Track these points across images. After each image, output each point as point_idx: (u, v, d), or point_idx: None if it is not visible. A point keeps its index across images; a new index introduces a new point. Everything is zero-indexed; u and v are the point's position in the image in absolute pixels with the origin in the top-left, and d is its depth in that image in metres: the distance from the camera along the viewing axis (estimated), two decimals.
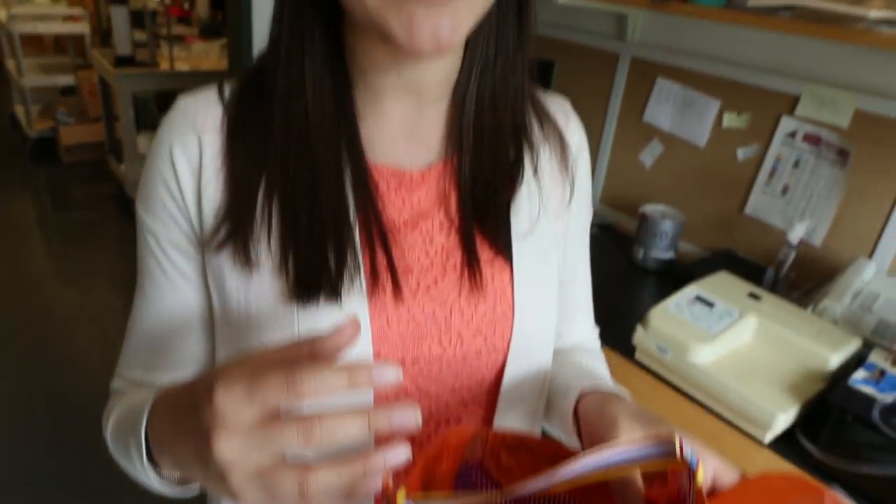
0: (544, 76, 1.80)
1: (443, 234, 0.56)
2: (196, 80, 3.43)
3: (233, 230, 0.51)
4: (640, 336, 1.23)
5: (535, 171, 0.59)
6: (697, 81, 1.63)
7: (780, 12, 1.15)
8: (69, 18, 4.31)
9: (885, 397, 1.03)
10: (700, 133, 1.64)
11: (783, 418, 1.04)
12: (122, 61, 3.22)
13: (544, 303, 0.59)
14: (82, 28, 4.30)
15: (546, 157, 0.61)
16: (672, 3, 1.29)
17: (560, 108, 0.65)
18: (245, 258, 0.51)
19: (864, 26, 1.04)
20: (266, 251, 0.52)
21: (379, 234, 0.53)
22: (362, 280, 0.52)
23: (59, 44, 4.85)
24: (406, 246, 0.55)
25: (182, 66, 3.37)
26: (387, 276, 0.53)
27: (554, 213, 0.62)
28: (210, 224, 0.52)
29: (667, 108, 1.70)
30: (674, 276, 1.51)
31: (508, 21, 0.53)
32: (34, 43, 4.77)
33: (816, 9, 1.06)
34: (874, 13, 1.01)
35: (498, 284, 0.57)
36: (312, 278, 0.50)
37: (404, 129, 0.56)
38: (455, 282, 0.56)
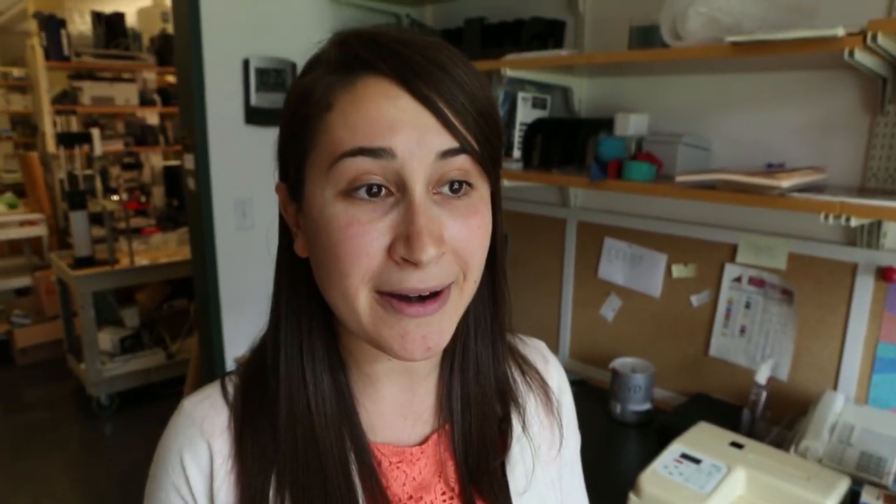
0: None
1: (445, 503, 0.58)
2: (155, 273, 3.48)
3: None
4: None
5: (524, 426, 0.62)
6: (642, 238, 1.75)
7: (705, 183, 1.28)
8: (27, 223, 4.37)
9: None
10: (653, 284, 1.74)
11: None
12: (81, 262, 3.26)
13: None
14: (40, 231, 4.36)
15: (532, 407, 0.64)
16: (607, 182, 1.43)
17: (538, 354, 0.70)
18: None
19: (780, 193, 1.16)
20: None
21: None
22: None
23: (15, 244, 4.88)
24: None
25: (141, 259, 3.42)
26: None
27: (546, 458, 0.64)
28: None
29: (618, 264, 1.81)
30: (654, 429, 1.52)
31: (484, 297, 0.59)
32: None
33: (736, 182, 1.19)
34: (785, 183, 1.14)
35: None
36: None
37: (400, 409, 0.59)
38: None
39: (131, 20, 4.76)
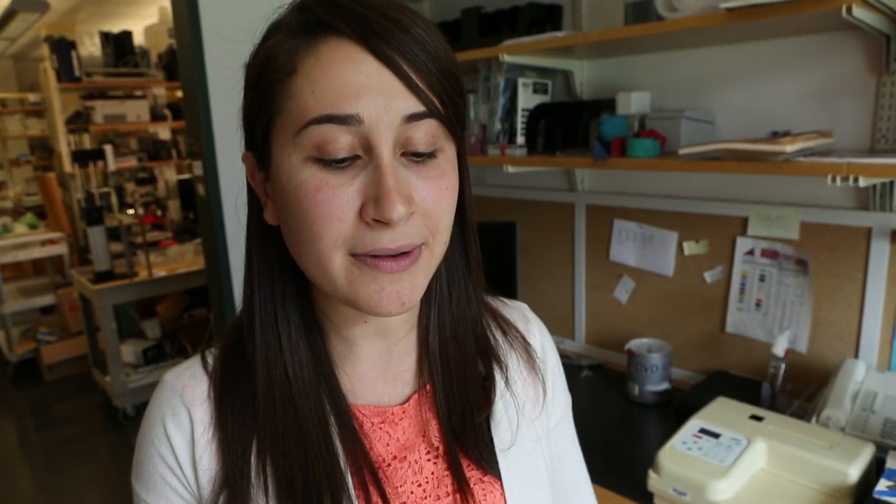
0: (508, 236, 1.90)
1: (430, 462, 0.58)
2: (173, 283, 3.52)
3: (230, 499, 0.52)
4: (654, 481, 1.20)
5: (507, 382, 0.62)
6: (652, 218, 1.73)
7: (709, 154, 1.27)
8: (48, 242, 4.46)
9: None
10: (666, 263, 1.72)
11: None
12: (101, 276, 3.31)
13: None
14: (61, 249, 4.44)
15: (515, 365, 0.64)
16: (611, 161, 1.42)
17: (519, 315, 0.70)
18: None
19: (785, 158, 1.14)
20: None
21: (371, 475, 0.54)
22: None
23: (38, 264, 4.98)
24: (397, 481, 0.56)
25: (159, 270, 3.47)
26: None
27: (531, 416, 0.64)
28: (207, 493, 0.53)
29: (629, 245, 1.79)
30: (674, 408, 1.51)
31: (456, 259, 0.59)
32: (13, 266, 4.92)
33: (739, 150, 1.17)
34: (790, 147, 1.12)
35: (491, 502, 0.57)
36: None
37: (379, 371, 0.59)
38: None
39: (139, 38, 4.83)
